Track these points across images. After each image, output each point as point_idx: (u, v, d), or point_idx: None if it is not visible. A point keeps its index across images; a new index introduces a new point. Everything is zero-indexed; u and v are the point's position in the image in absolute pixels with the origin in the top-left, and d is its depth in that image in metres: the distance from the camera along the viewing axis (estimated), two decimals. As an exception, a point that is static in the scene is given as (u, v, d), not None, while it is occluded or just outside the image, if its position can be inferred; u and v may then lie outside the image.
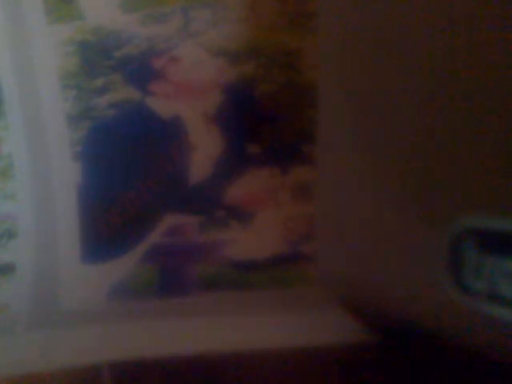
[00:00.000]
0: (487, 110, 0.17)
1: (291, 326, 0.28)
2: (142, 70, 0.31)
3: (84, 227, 0.31)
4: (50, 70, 0.31)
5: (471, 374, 0.20)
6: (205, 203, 0.30)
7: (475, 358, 0.19)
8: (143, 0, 0.30)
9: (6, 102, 0.31)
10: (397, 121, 0.20)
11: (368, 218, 0.21)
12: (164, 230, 0.30)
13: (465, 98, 0.18)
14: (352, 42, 0.22)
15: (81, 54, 0.31)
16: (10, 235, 0.31)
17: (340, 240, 0.23)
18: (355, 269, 0.22)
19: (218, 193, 0.30)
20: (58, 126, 0.31)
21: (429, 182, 0.19)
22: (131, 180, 0.30)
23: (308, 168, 0.30)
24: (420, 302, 0.20)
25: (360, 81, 0.21)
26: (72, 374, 0.29)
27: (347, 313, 0.25)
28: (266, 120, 0.30)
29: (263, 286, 0.30)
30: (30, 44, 0.31)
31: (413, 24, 0.19)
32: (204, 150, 0.30)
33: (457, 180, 0.18)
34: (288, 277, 0.30)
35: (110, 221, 0.30)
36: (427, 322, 0.20)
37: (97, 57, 0.31)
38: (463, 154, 0.18)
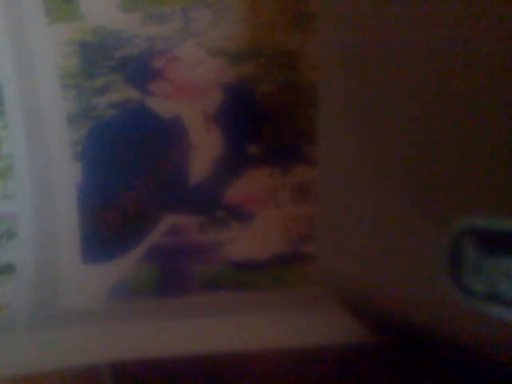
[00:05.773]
0: (487, 111, 0.17)
1: (291, 325, 0.28)
2: (141, 70, 0.31)
3: (84, 227, 0.31)
4: (50, 70, 0.31)
5: (471, 374, 0.20)
6: (205, 203, 0.30)
7: (475, 358, 0.19)
8: (143, 0, 0.30)
9: (6, 102, 0.31)
10: (397, 121, 0.20)
11: (368, 218, 0.21)
12: (164, 230, 0.30)
13: (465, 98, 0.18)
14: (352, 42, 0.22)
15: (81, 54, 0.31)
16: (10, 235, 0.31)
17: (340, 240, 0.23)
18: (355, 269, 0.22)
19: (217, 193, 0.30)
20: (58, 126, 0.31)
21: (429, 182, 0.19)
22: (131, 180, 0.30)
23: (308, 168, 0.30)
24: (420, 301, 0.20)
25: (360, 81, 0.21)
26: (72, 374, 0.29)
27: (347, 313, 0.25)
28: (266, 120, 0.30)
29: (263, 286, 0.30)
30: (30, 44, 0.31)
31: (413, 24, 0.19)
32: (204, 150, 0.30)
33: (457, 180, 0.18)
34: (288, 277, 0.30)
35: (110, 221, 0.30)
36: (427, 322, 0.20)
37: (97, 57, 0.31)
38: (463, 154, 0.18)
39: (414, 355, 0.23)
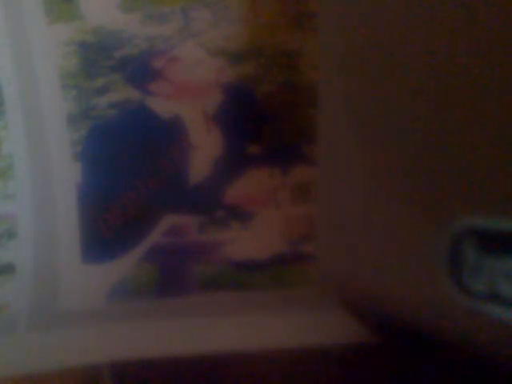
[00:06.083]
0: (487, 111, 0.17)
1: (291, 326, 0.28)
2: (142, 70, 0.31)
3: (84, 227, 0.31)
4: (50, 69, 0.31)
5: (471, 374, 0.20)
6: (205, 203, 0.30)
7: (475, 358, 0.19)
8: (143, 0, 0.30)
9: (6, 102, 0.31)
10: (397, 121, 0.20)
11: (368, 218, 0.21)
12: (164, 230, 0.30)
13: (465, 98, 0.18)
14: (352, 42, 0.22)
15: (81, 54, 0.31)
16: (10, 235, 0.31)
17: (340, 240, 0.23)
18: (355, 269, 0.22)
19: (218, 193, 0.30)
20: (58, 126, 0.31)
21: (429, 182, 0.19)
22: (131, 180, 0.30)
23: (308, 168, 0.30)
24: (420, 301, 0.20)
25: (360, 81, 0.21)
26: (72, 374, 0.29)
27: (347, 313, 0.25)
28: (266, 120, 0.30)
29: (263, 286, 0.30)
30: (30, 44, 0.31)
31: (413, 24, 0.19)
32: (204, 150, 0.30)
33: (457, 180, 0.18)
34: (288, 277, 0.30)
35: (110, 221, 0.30)
36: (427, 322, 0.20)
37: (97, 57, 0.31)
38: (463, 154, 0.18)
39: (414, 355, 0.23)
